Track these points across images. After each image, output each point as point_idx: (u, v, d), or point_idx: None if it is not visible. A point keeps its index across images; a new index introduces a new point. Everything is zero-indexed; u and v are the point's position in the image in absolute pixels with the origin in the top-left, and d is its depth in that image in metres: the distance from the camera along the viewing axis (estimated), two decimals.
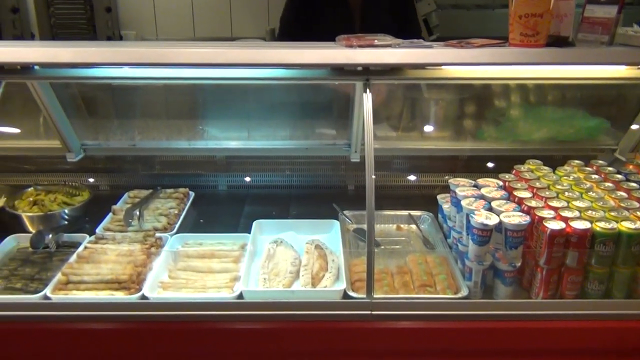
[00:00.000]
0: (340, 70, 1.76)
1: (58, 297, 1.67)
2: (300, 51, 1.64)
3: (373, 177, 1.61)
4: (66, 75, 1.75)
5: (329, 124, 2.43)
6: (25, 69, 1.74)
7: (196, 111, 2.47)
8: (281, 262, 1.87)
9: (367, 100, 1.67)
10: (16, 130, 2.29)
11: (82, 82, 2.02)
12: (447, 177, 2.50)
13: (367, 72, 1.72)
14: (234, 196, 2.50)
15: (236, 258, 1.91)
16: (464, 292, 1.70)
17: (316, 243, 1.99)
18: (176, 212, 2.22)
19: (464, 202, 1.78)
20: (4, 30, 4.30)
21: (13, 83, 1.80)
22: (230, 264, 1.88)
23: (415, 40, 1.82)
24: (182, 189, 2.38)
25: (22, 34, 4.41)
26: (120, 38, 4.54)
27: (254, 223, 2.10)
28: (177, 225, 2.12)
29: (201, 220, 2.25)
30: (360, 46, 1.67)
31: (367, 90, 1.69)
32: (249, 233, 2.05)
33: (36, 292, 1.70)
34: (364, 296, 1.65)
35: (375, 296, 1.64)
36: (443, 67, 1.76)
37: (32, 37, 4.51)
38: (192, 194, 2.39)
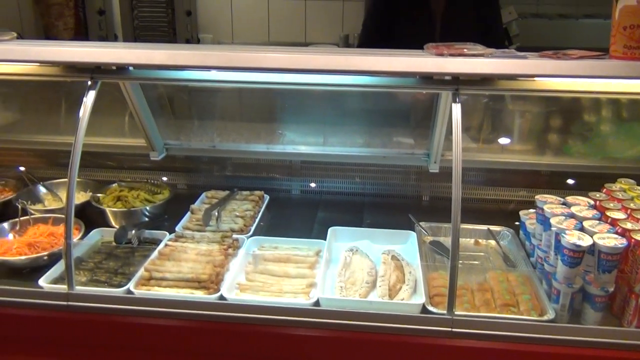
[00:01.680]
0: (428, 79, 1.72)
1: (141, 292, 1.72)
2: (389, 59, 1.62)
3: (460, 189, 1.56)
4: (159, 77, 1.80)
5: (407, 133, 2.39)
6: (120, 69, 1.80)
7: (274, 115, 2.49)
8: (357, 271, 1.85)
9: (456, 111, 1.63)
10: (104, 128, 2.37)
11: (170, 83, 2.06)
12: (527, 192, 2.43)
13: (457, 82, 1.67)
14: (307, 201, 2.51)
15: (312, 264, 1.91)
16: (550, 314, 1.62)
17: (392, 254, 1.95)
18: (252, 214, 2.24)
19: (553, 221, 1.70)
20: (90, 31, 4.52)
21: (105, 82, 1.86)
22: (306, 270, 1.87)
23: (507, 50, 1.76)
24: (257, 192, 2.40)
25: (106, 35, 4.61)
26: (198, 41, 4.68)
27: (330, 230, 2.09)
28: (252, 228, 2.14)
29: (276, 224, 2.26)
30: (451, 55, 1.63)
31: (457, 100, 1.64)
32: (323, 239, 2.04)
33: (120, 286, 1.75)
34: (445, 312, 1.60)
35: (456, 313, 1.59)
36: (536, 78, 1.69)
37: (115, 38, 4.72)
38: (267, 197, 2.40)
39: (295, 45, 4.65)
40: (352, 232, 2.12)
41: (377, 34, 2.83)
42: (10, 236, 2.02)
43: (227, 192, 2.40)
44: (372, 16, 2.93)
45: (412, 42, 1.84)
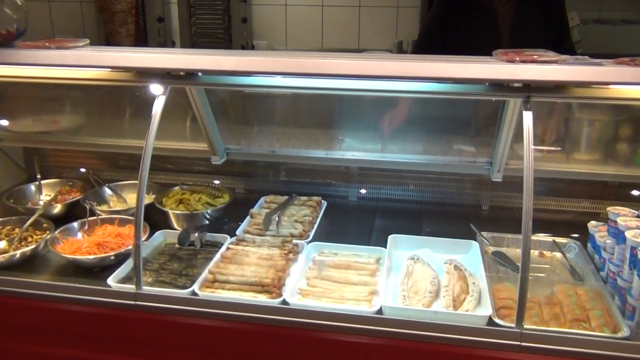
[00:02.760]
0: (497, 86, 1.69)
1: (205, 294, 1.74)
2: (459, 65, 1.59)
3: (532, 200, 1.52)
4: (227, 83, 1.83)
5: (467, 140, 2.35)
6: (189, 74, 1.83)
7: (333, 120, 2.49)
8: (420, 280, 1.82)
9: (527, 119, 1.59)
10: (166, 132, 2.43)
11: (234, 89, 2.09)
12: (593, 203, 2.34)
13: (528, 89, 1.63)
14: (364, 208, 2.49)
15: (372, 271, 1.89)
16: (624, 331, 1.55)
17: (454, 263, 1.92)
18: (310, 219, 2.25)
19: (628, 234, 1.63)
20: (149, 37, 4.65)
21: (172, 88, 1.90)
22: (368, 277, 1.86)
23: (580, 57, 1.71)
24: (315, 197, 2.41)
25: (165, 42, 4.74)
26: (252, 47, 4.74)
27: (389, 237, 2.07)
28: (312, 233, 2.15)
29: (334, 230, 2.26)
30: (523, 61, 1.59)
31: (528, 108, 1.60)
32: (382, 247, 2.03)
33: (184, 287, 1.78)
34: (513, 325, 1.55)
35: (525, 327, 1.54)
36: (611, 86, 1.63)
37: (172, 45, 4.84)
38: (324, 203, 2.41)
39: (349, 52, 4.66)
40: (412, 240, 2.10)
41: (436, 43, 2.79)
42: (80, 235, 2.08)
43: (285, 197, 2.42)
44: (431, 25, 2.88)
45: (474, 51, 1.80)
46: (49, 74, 1.89)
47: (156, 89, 1.82)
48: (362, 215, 2.42)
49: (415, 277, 1.84)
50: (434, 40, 2.78)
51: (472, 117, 2.42)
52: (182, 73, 1.84)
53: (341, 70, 1.66)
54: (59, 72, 1.88)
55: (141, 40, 4.61)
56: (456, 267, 1.89)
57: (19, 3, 1.96)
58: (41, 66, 1.86)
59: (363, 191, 2.53)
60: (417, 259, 1.96)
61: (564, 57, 1.62)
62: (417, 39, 2.94)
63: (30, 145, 2.63)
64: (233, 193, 2.43)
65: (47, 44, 1.92)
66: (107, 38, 4.44)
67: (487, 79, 1.65)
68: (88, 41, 2.01)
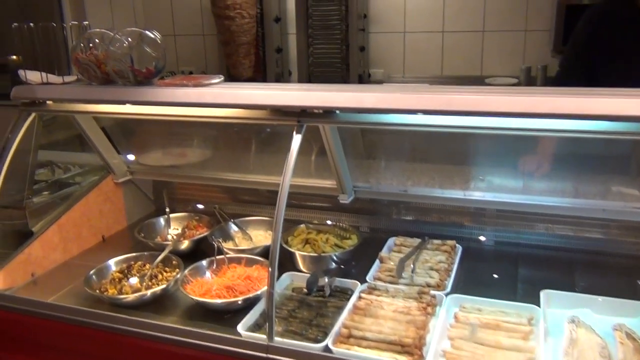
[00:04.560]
0: None
1: (340, 350, 1.60)
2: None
3: None
4: (366, 121, 1.71)
5: (630, 182, 2.05)
6: (326, 112, 1.73)
7: (468, 156, 2.29)
8: (586, 350, 1.56)
9: None
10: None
11: (373, 127, 1.96)
12: None
13: None
14: (504, 254, 2.25)
15: (525, 334, 1.66)
16: None
17: (625, 330, 1.64)
18: (446, 266, 2.05)
19: None
20: (268, 68, 4.71)
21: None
22: (521, 342, 1.63)
23: None
24: (449, 242, 2.21)
25: (282, 72, 4.78)
26: (369, 76, 4.65)
27: (542, 294, 1.82)
28: (449, 283, 1.95)
29: (473, 280, 2.04)
30: None
31: None
32: (531, 303, 1.79)
33: (317, 340, 1.65)
34: None
35: None
36: None
37: (289, 75, 4.87)
38: (459, 247, 2.20)
39: (471, 79, 4.43)
40: (568, 298, 1.83)
41: (583, 72, 2.52)
42: (208, 275, 2.04)
43: (415, 239, 2.24)
44: (577, 54, 2.60)
45: (625, 83, 1.56)
46: (187, 112, 1.88)
47: (292, 127, 1.74)
48: (503, 263, 2.18)
49: (581, 346, 1.58)
50: (584, 55, 2.50)
51: (632, 156, 2.11)
52: (319, 111, 1.74)
53: (495, 107, 1.48)
54: (196, 111, 1.86)
55: (260, 70, 4.68)
56: (629, 336, 1.61)
57: (159, 41, 1.98)
58: (180, 105, 1.84)
59: (503, 235, 2.29)
60: (578, 322, 1.69)
61: None
62: (559, 73, 2.68)
63: (160, 179, 2.67)
64: (360, 233, 2.30)
65: (184, 81, 1.92)
66: (229, 69, 4.55)
67: None
68: (222, 78, 1.99)
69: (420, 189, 2.24)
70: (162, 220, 2.49)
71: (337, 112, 1.72)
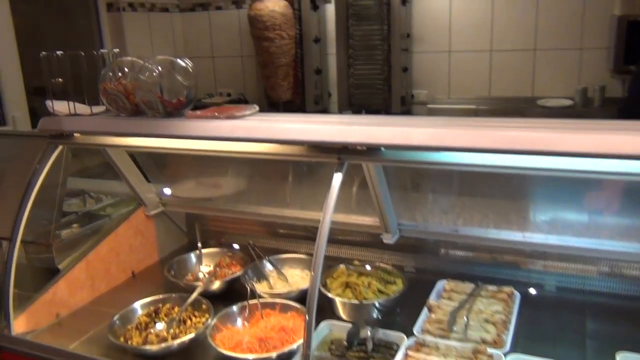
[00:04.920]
0: None
1: None
2: None
3: None
4: (415, 160, 1.52)
5: None
6: (370, 149, 1.56)
7: (527, 193, 2.06)
8: None
9: None
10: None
11: (423, 167, 1.78)
12: None
13: None
14: (567, 302, 2.01)
15: None
16: None
17: None
18: (503, 318, 1.82)
19: None
20: (307, 90, 4.57)
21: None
22: None
23: None
24: (506, 288, 1.98)
25: (321, 94, 4.63)
26: (412, 97, 4.46)
27: (619, 357, 1.58)
28: (508, 339, 1.72)
29: (534, 335, 1.81)
30: None
31: None
32: None
33: None
34: None
35: None
36: None
37: (329, 96, 4.73)
38: (517, 295, 1.97)
39: (521, 100, 4.18)
40: None
41: None
42: (239, 322, 1.87)
43: (467, 283, 2.03)
44: None
45: None
46: (218, 147, 1.74)
47: (332, 164, 1.57)
48: (567, 314, 1.93)
49: None
50: None
51: None
52: (362, 147, 1.57)
53: (573, 147, 1.27)
54: (227, 146, 1.72)
55: (298, 92, 4.55)
56: None
57: (190, 69, 1.86)
58: (210, 139, 1.70)
59: (566, 280, 2.05)
60: None
61: None
62: (627, 101, 2.44)
63: (193, 212, 2.54)
64: (405, 274, 2.09)
65: (216, 113, 1.78)
66: (268, 91, 4.44)
67: None
68: (257, 108, 1.84)
69: (474, 229, 2.03)
70: (193, 257, 2.35)
71: (382, 149, 1.54)
